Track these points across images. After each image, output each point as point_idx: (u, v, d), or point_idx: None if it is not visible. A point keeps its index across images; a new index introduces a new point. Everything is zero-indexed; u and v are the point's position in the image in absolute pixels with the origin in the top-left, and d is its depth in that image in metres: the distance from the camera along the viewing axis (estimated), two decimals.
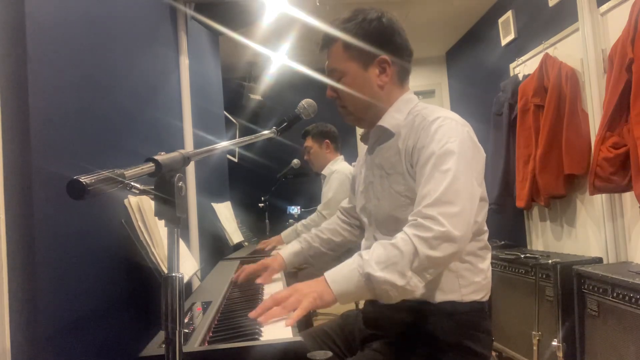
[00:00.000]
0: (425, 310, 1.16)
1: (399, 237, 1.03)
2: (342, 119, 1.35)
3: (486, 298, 1.22)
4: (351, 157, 3.10)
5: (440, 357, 1.15)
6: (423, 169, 1.10)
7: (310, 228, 2.65)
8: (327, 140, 2.99)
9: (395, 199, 1.21)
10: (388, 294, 1.01)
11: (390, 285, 0.99)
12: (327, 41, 1.29)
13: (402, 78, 1.30)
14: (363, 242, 1.41)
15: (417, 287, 1.01)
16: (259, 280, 1.46)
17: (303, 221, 2.85)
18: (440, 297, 1.16)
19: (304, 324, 2.70)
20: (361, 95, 1.26)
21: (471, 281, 1.18)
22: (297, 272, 2.52)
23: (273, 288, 1.47)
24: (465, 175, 1.07)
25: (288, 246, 1.63)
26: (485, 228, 1.24)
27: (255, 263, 1.56)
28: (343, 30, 1.25)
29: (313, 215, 2.83)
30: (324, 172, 3.00)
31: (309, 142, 3.03)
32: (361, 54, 1.25)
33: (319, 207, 2.84)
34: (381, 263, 1.00)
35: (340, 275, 1.04)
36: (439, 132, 1.12)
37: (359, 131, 1.44)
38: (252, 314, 1.03)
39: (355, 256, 1.06)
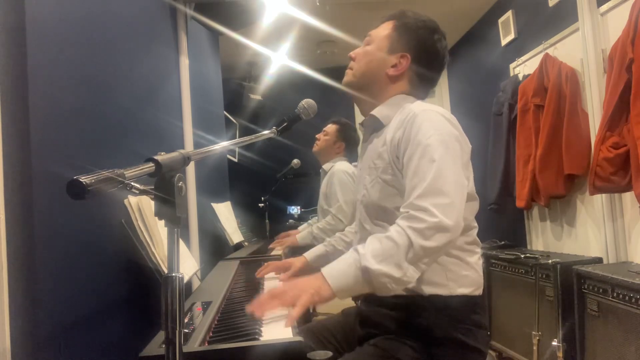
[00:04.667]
0: (417, 305, 1.17)
1: (393, 230, 1.05)
2: (344, 79, 1.38)
3: (478, 292, 1.22)
4: (351, 157, 3.09)
5: (434, 351, 1.16)
6: (410, 161, 1.12)
7: (327, 231, 2.67)
8: (343, 144, 2.98)
9: (383, 189, 1.23)
10: (386, 286, 1.02)
11: (388, 277, 1.01)
12: (390, 16, 1.36)
13: (413, 86, 1.33)
14: (354, 236, 1.42)
15: (413, 278, 1.03)
16: (282, 277, 1.49)
17: (319, 224, 2.83)
18: (429, 289, 1.17)
19: (304, 323, 2.69)
20: (369, 67, 1.31)
21: (459, 275, 1.19)
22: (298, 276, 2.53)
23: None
24: (452, 164, 1.10)
25: (313, 249, 1.66)
26: (475, 224, 1.26)
27: (280, 261, 1.59)
28: (404, 15, 1.33)
29: (328, 218, 2.80)
30: (324, 166, 3.00)
31: (331, 129, 2.98)
32: (396, 40, 1.30)
33: (333, 211, 2.81)
34: (378, 256, 1.02)
35: (337, 271, 1.05)
36: (424, 124, 1.14)
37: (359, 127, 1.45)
38: (248, 309, 1.03)
39: (351, 251, 1.08)
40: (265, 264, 1.58)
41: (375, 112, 1.30)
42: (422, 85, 1.35)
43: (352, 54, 1.36)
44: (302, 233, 2.82)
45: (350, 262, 1.05)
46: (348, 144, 3.00)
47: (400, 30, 1.31)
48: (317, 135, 3.05)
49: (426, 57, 1.31)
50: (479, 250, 1.26)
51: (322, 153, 3.03)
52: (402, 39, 1.30)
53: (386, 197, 1.22)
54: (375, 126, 1.33)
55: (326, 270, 1.06)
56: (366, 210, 1.31)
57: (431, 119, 1.16)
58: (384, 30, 1.33)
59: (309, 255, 1.61)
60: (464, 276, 1.20)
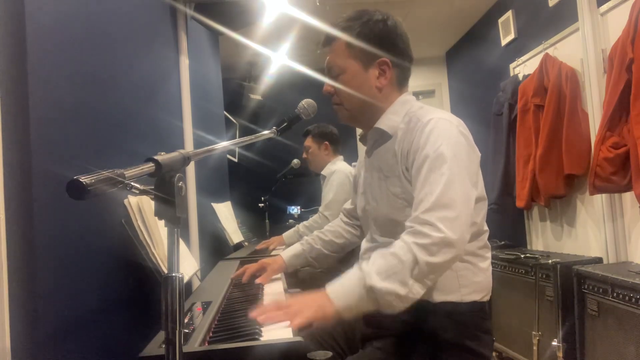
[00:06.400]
0: (425, 310, 1.16)
1: (398, 246, 1.03)
2: (337, 116, 1.35)
3: (486, 298, 1.22)
4: (351, 158, 3.10)
5: (440, 356, 1.15)
6: (418, 173, 1.10)
7: (313, 229, 2.65)
8: (326, 142, 2.98)
9: (392, 202, 1.22)
10: (392, 304, 1.01)
11: (394, 295, 0.99)
12: (331, 37, 1.29)
13: (401, 81, 1.31)
14: (363, 243, 1.41)
15: (418, 294, 1.02)
16: (257, 280, 1.46)
17: (305, 222, 2.84)
18: (440, 297, 1.16)
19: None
20: (358, 94, 1.27)
21: (471, 281, 1.18)
22: (297, 271, 2.52)
23: (273, 288, 1.48)
24: (460, 177, 1.08)
25: (289, 248, 1.63)
26: (486, 228, 1.24)
27: (256, 263, 1.56)
28: (347, 28, 1.26)
29: (315, 217, 2.83)
30: (323, 172, 3.00)
31: (308, 142, 3.03)
32: (363, 54, 1.25)
33: (321, 209, 2.83)
34: (382, 273, 1.00)
35: (342, 290, 1.04)
36: (432, 134, 1.12)
37: (359, 131, 1.43)
38: (253, 314, 1.03)
39: (355, 269, 1.06)
40: (243, 267, 1.56)
41: (380, 124, 1.27)
42: (407, 74, 1.32)
43: (329, 88, 1.30)
44: (288, 232, 2.82)
45: (354, 282, 1.03)
46: (331, 140, 3.01)
47: (359, 41, 1.24)
48: (303, 157, 3.09)
49: (397, 47, 1.27)
50: (489, 254, 1.25)
51: (316, 165, 3.04)
52: (367, 48, 1.24)
53: (396, 209, 1.21)
54: (379, 138, 1.29)
55: (331, 289, 1.04)
56: (376, 223, 1.30)
57: (440, 127, 1.13)
58: (342, 51, 1.26)
59: (285, 254, 1.59)
60: (475, 282, 1.19)
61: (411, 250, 1.00)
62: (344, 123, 1.36)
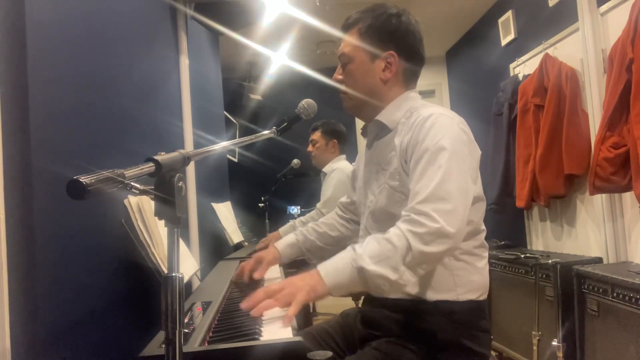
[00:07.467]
0: (422, 309, 1.17)
1: (393, 232, 1.04)
2: (342, 105, 1.36)
3: (483, 297, 1.22)
4: (351, 155, 3.10)
5: (438, 356, 1.15)
6: (416, 166, 1.11)
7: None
8: (335, 140, 2.99)
9: (390, 195, 1.22)
10: (381, 287, 1.02)
11: (383, 279, 1.00)
12: (347, 26, 1.32)
13: (407, 78, 1.31)
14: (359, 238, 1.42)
15: (409, 282, 1.02)
16: (255, 276, 1.47)
17: (302, 218, 2.84)
18: (436, 295, 1.17)
19: (304, 323, 2.70)
20: (362, 84, 1.29)
21: (467, 280, 1.18)
22: (297, 272, 2.52)
23: (273, 282, 1.47)
24: (459, 171, 1.08)
25: (284, 238, 1.65)
26: (483, 227, 1.25)
27: (251, 259, 1.57)
28: (361, 18, 1.29)
29: (312, 213, 2.83)
30: (325, 169, 3.00)
31: (316, 136, 3.02)
32: (371, 45, 1.27)
33: (318, 205, 2.84)
34: (374, 257, 1.02)
35: (334, 268, 1.05)
36: (433, 129, 1.13)
37: (359, 126, 1.44)
38: (243, 305, 1.03)
39: (349, 249, 1.08)
40: (240, 266, 1.57)
41: (381, 117, 1.28)
42: (415, 72, 1.33)
43: (337, 77, 1.33)
44: (284, 227, 2.82)
45: (346, 261, 1.05)
46: (340, 138, 3.01)
47: (369, 33, 1.27)
48: (308, 150, 3.08)
49: (407, 43, 1.28)
50: (486, 254, 1.25)
51: (321, 161, 3.04)
52: (376, 40, 1.26)
53: (394, 203, 1.21)
54: (380, 132, 1.30)
55: (322, 267, 1.06)
56: (372, 217, 1.30)
57: (440, 122, 1.14)
58: (353, 42, 1.29)
59: (280, 244, 1.60)
60: (471, 281, 1.19)
61: (405, 237, 1.01)
62: (347, 112, 1.38)
